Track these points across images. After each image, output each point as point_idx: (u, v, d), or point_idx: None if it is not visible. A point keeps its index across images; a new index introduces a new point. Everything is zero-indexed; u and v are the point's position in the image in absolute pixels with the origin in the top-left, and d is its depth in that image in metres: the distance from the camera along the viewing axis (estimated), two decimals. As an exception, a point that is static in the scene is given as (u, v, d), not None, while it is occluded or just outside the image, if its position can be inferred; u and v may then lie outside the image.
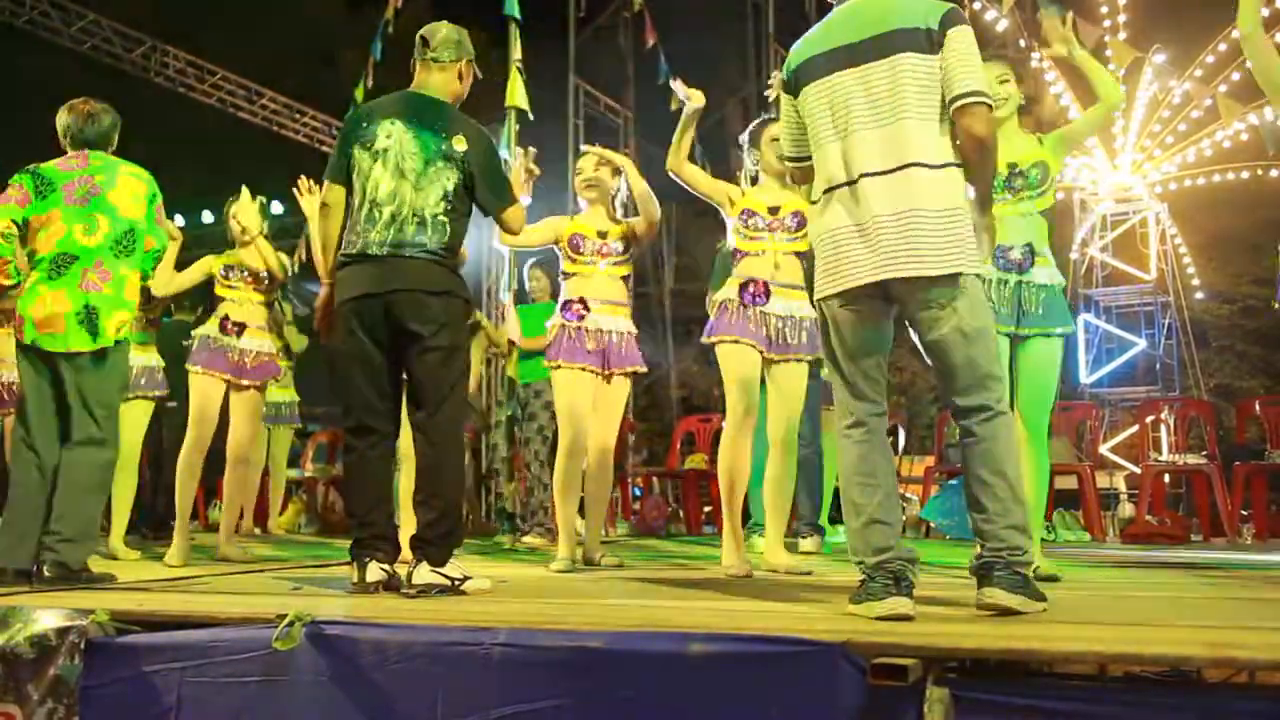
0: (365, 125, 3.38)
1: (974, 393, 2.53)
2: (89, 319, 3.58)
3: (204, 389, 4.78)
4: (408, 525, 4.49)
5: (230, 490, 5.03)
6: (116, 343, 3.65)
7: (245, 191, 5.07)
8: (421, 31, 3.49)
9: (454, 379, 3.31)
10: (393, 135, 3.33)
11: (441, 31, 3.48)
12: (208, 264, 4.91)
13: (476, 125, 3.43)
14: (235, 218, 4.97)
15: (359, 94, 9.30)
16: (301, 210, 4.26)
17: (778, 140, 3.95)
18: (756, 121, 4.13)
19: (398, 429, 3.43)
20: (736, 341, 3.80)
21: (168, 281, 4.80)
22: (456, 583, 3.15)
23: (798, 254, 3.88)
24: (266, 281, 4.98)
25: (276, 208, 14.20)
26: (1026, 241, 3.48)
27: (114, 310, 3.63)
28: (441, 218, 3.30)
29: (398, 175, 3.29)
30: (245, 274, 4.92)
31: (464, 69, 3.50)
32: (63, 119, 3.77)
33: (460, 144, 3.33)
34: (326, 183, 3.43)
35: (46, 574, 3.41)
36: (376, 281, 3.25)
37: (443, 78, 3.47)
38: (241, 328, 4.85)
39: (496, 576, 3.60)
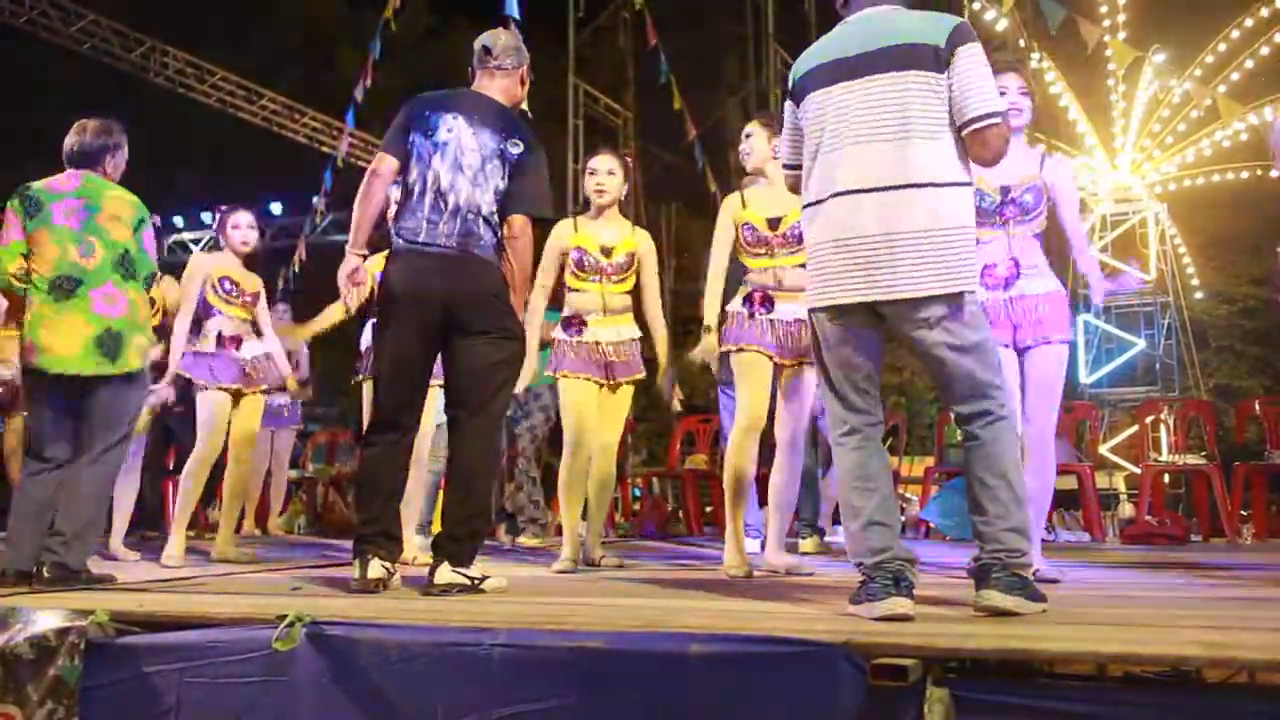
0: (428, 114, 3.37)
1: (974, 401, 2.53)
2: (110, 344, 3.56)
3: (213, 400, 4.76)
4: (408, 524, 4.52)
5: (230, 491, 5.03)
6: (138, 371, 3.64)
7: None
8: (483, 40, 3.50)
9: (502, 382, 3.31)
10: (454, 130, 3.34)
11: (502, 39, 3.51)
12: (203, 270, 4.88)
13: (534, 134, 3.43)
14: (228, 232, 4.96)
15: (359, 93, 9.31)
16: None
17: (750, 136, 3.96)
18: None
19: (418, 427, 3.43)
20: (743, 349, 3.80)
21: (177, 301, 4.87)
22: (477, 582, 3.17)
23: (801, 266, 3.86)
24: (254, 300, 4.96)
25: (276, 208, 14.22)
26: (1011, 257, 3.43)
27: (133, 335, 3.62)
28: (495, 215, 3.33)
29: (456, 169, 3.31)
30: (238, 290, 4.89)
31: (525, 74, 3.54)
32: (67, 139, 3.75)
33: (516, 147, 3.35)
34: (380, 153, 3.40)
35: (46, 574, 3.41)
36: (441, 279, 3.25)
37: (506, 83, 3.49)
38: (238, 341, 4.84)
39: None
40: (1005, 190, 3.44)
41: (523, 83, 3.54)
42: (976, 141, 2.54)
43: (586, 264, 4.20)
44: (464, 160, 3.31)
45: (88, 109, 3.86)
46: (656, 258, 4.37)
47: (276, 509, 7.72)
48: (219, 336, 4.81)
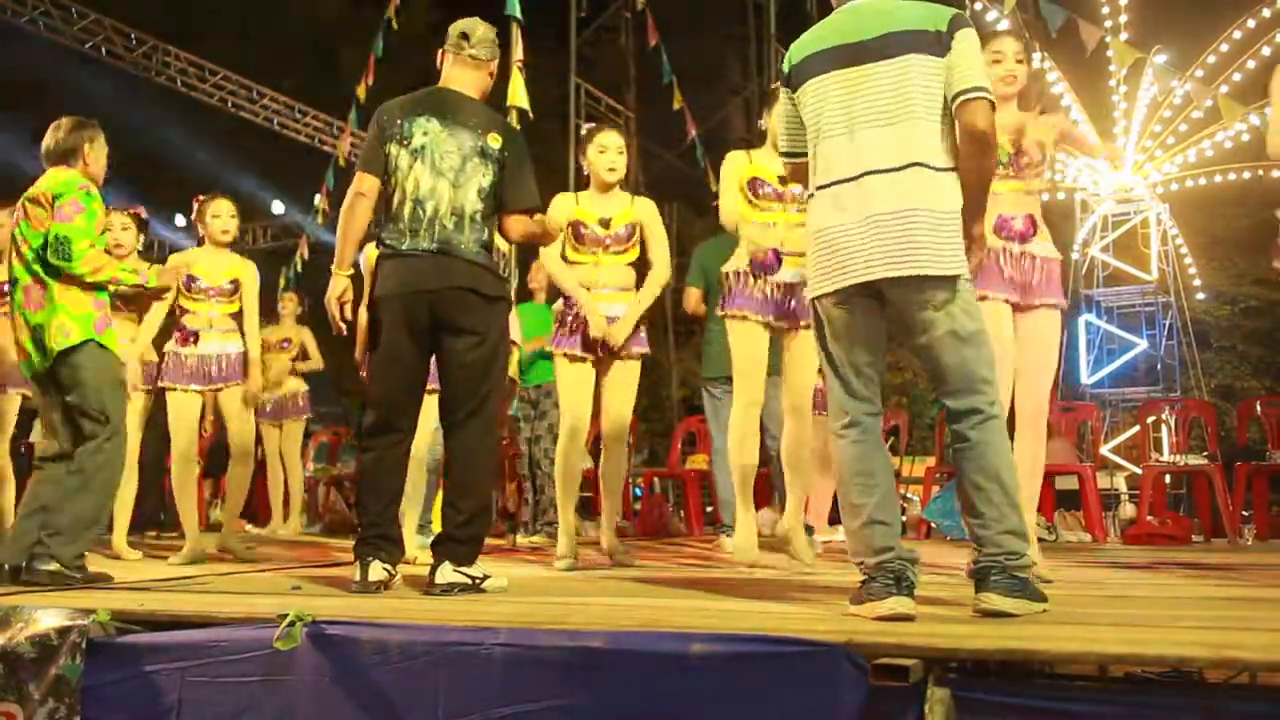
0: (400, 122, 3.36)
1: (966, 395, 2.53)
2: (37, 340, 3.62)
3: (178, 402, 4.78)
4: (408, 524, 4.52)
5: (230, 487, 5.03)
6: (70, 349, 3.58)
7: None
8: (462, 27, 3.49)
9: (493, 382, 3.31)
10: (429, 133, 3.33)
11: (480, 29, 3.49)
12: (173, 269, 4.84)
13: (508, 122, 3.44)
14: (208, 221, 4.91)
15: (361, 92, 9.31)
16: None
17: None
18: (773, 86, 4.02)
19: (414, 430, 3.43)
20: (745, 318, 3.77)
21: (155, 320, 4.88)
22: (478, 582, 3.17)
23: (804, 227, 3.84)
24: (231, 290, 4.91)
25: (278, 207, 14.24)
26: (1028, 213, 3.48)
27: (50, 320, 3.60)
28: (480, 215, 3.32)
29: (436, 173, 3.30)
30: (199, 284, 4.85)
31: (493, 68, 3.54)
32: (44, 139, 3.77)
33: (495, 141, 3.36)
34: (360, 173, 3.38)
35: (38, 567, 3.42)
36: (426, 277, 3.25)
37: (476, 75, 3.48)
38: (195, 335, 4.81)
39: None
40: (1016, 143, 3.49)
41: (491, 76, 3.53)
42: (966, 111, 2.54)
43: (585, 236, 4.15)
44: (443, 163, 3.31)
45: (90, 108, 3.87)
46: (661, 222, 4.31)
47: (296, 504, 7.34)
48: (180, 329, 4.82)
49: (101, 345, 3.66)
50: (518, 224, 3.42)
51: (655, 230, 4.27)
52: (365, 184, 3.35)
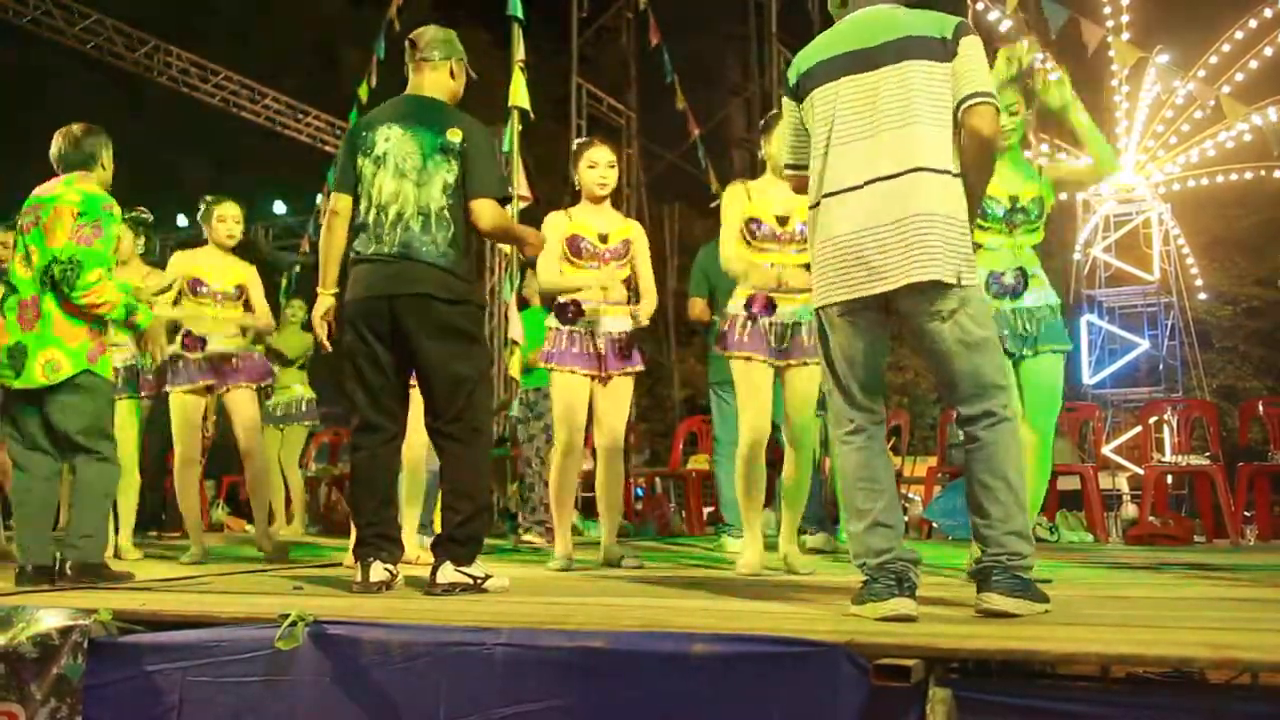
0: (365, 134, 3.41)
1: (978, 401, 2.53)
2: (16, 357, 3.52)
3: (181, 404, 4.79)
4: (410, 524, 4.52)
5: (250, 487, 5.04)
6: (61, 383, 3.50)
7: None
8: (410, 36, 3.54)
9: (471, 383, 3.30)
10: (390, 138, 3.36)
11: (429, 33, 3.53)
12: (174, 272, 4.85)
13: (472, 120, 3.45)
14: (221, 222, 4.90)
15: (363, 93, 9.31)
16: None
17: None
18: (771, 114, 4.07)
19: (404, 427, 3.44)
20: (749, 359, 3.77)
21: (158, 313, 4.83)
22: (479, 581, 3.17)
23: (804, 266, 3.84)
24: (237, 295, 4.92)
25: (279, 207, 14.25)
26: (1018, 266, 3.48)
27: (40, 349, 3.51)
28: (446, 212, 3.31)
29: (399, 176, 3.32)
30: (207, 288, 4.85)
31: (455, 67, 3.54)
32: (52, 145, 3.73)
33: (455, 135, 3.35)
34: (334, 193, 3.45)
35: (69, 571, 3.44)
36: (385, 284, 3.26)
37: (435, 77, 3.51)
38: (202, 341, 4.81)
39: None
40: (1014, 199, 3.49)
41: (454, 76, 3.54)
42: (971, 115, 2.55)
43: (584, 250, 4.18)
44: (405, 165, 3.33)
45: (91, 108, 3.87)
46: (649, 248, 4.41)
47: (298, 506, 7.30)
48: (185, 335, 4.81)
49: (94, 373, 3.57)
50: (486, 210, 3.35)
51: (644, 256, 4.35)
52: (339, 203, 3.41)
